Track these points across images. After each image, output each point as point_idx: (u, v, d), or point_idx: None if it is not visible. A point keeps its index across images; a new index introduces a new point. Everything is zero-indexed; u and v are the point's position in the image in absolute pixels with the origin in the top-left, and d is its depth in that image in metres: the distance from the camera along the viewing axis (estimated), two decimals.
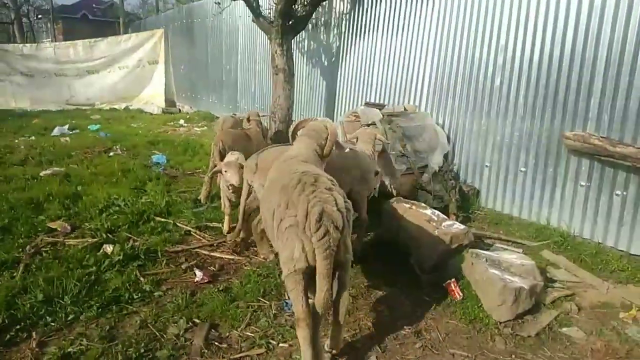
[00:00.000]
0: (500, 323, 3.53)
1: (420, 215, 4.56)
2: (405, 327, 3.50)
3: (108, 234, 4.99)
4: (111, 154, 9.29)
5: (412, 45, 6.97)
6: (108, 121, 14.01)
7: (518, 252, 4.42)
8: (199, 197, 6.36)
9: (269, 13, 8.01)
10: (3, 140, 10.16)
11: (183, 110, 17.38)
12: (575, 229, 4.97)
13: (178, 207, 5.92)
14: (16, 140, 10.24)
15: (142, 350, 3.09)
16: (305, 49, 9.55)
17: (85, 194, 6.32)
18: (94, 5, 44.87)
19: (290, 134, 4.10)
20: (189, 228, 5.30)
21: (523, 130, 5.43)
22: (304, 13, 7.63)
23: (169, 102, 18.07)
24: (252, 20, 8.17)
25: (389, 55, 7.41)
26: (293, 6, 7.36)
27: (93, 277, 4.02)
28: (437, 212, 4.60)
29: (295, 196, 2.71)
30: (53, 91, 17.72)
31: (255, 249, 4.76)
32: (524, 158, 5.45)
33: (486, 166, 5.90)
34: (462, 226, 4.42)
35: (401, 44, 7.17)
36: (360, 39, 8.03)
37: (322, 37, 9.02)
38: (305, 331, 2.68)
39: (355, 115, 6.48)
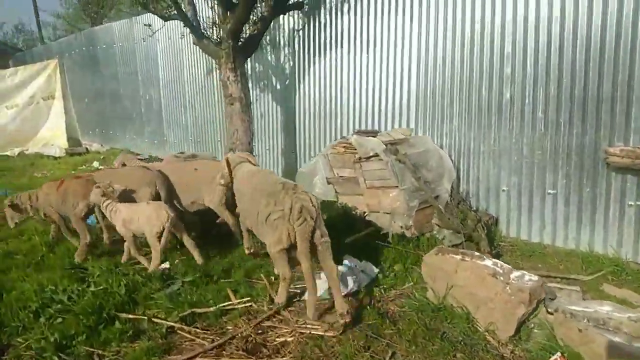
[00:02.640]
0: None
1: (479, 268, 3.71)
2: None
3: (60, 354, 3.52)
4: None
5: (388, 62, 6.20)
6: (2, 173, 11.63)
7: (609, 302, 3.70)
8: (165, 268, 5.03)
9: (210, 33, 6.80)
10: None
11: (92, 149, 15.17)
12: (628, 254, 4.44)
13: (144, 291, 4.50)
14: None
15: None
16: (249, 71, 8.42)
17: (5, 290, 4.65)
18: None
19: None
20: (171, 323, 3.95)
21: (546, 147, 4.84)
22: (254, 32, 6.53)
23: (73, 142, 15.76)
24: (194, 43, 6.90)
25: (360, 74, 6.57)
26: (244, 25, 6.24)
27: None
28: (499, 262, 3.78)
29: (281, 197, 3.73)
30: None
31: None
32: (551, 179, 4.86)
33: (503, 191, 5.25)
34: (535, 277, 3.64)
35: (374, 61, 6.37)
36: (319, 58, 7.11)
37: (269, 57, 7.96)
38: (287, 284, 3.98)
39: (344, 146, 5.53)
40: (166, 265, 5.18)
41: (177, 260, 5.25)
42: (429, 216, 5.08)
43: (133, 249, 4.91)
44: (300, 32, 7.34)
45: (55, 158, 13.69)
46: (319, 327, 3.88)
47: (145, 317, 4.00)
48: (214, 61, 9.12)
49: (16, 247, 5.86)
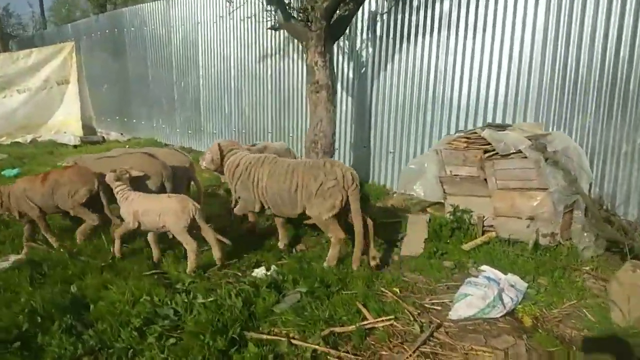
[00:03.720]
0: None
1: None
2: None
3: None
4: None
5: (502, 47, 5.58)
6: (21, 161, 10.73)
7: None
8: (266, 272, 4.43)
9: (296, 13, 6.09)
10: None
11: (109, 138, 14.31)
12: None
13: (260, 304, 3.83)
14: None
15: None
16: None
17: (91, 300, 3.95)
18: None
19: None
20: (314, 346, 3.29)
21: None
22: (345, 12, 5.86)
23: (87, 129, 14.86)
24: (276, 25, 6.19)
25: (462, 63, 5.95)
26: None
27: None
28: None
29: (329, 168, 4.34)
30: None
31: None
32: None
33: None
34: None
35: (482, 47, 5.75)
36: (407, 45, 6.47)
37: (341, 43, 7.28)
38: (339, 247, 4.47)
39: (466, 141, 4.89)
40: (263, 270, 4.59)
41: (273, 266, 4.63)
42: (569, 222, 4.49)
43: (118, 238, 4.70)
44: (384, 15, 6.67)
45: (75, 146, 12.80)
46: (492, 353, 3.29)
47: (284, 339, 3.33)
48: (269, 46, 8.45)
49: (78, 248, 5.12)
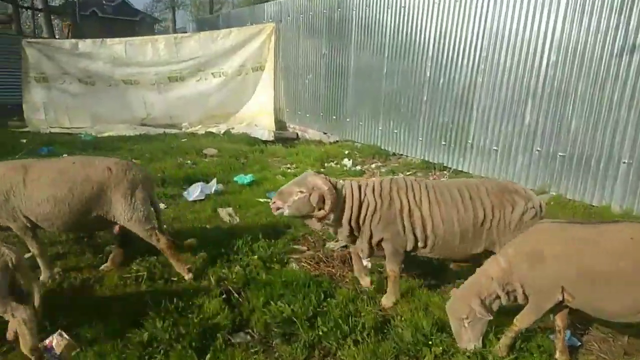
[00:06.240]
0: None
1: None
2: None
3: None
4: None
5: None
6: (240, 162, 8.94)
7: None
8: None
9: None
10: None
11: (306, 136, 12.42)
12: None
13: None
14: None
15: None
16: None
17: None
18: (104, 2, 41.10)
19: None
20: None
21: None
22: None
23: (277, 123, 13.10)
24: None
25: None
26: None
27: None
28: None
29: (523, 193, 3.53)
30: (122, 106, 12.67)
31: None
32: None
33: None
34: None
35: None
36: None
37: None
38: None
39: None
40: None
41: None
42: None
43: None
44: None
45: (289, 146, 10.87)
46: None
47: None
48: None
49: None
